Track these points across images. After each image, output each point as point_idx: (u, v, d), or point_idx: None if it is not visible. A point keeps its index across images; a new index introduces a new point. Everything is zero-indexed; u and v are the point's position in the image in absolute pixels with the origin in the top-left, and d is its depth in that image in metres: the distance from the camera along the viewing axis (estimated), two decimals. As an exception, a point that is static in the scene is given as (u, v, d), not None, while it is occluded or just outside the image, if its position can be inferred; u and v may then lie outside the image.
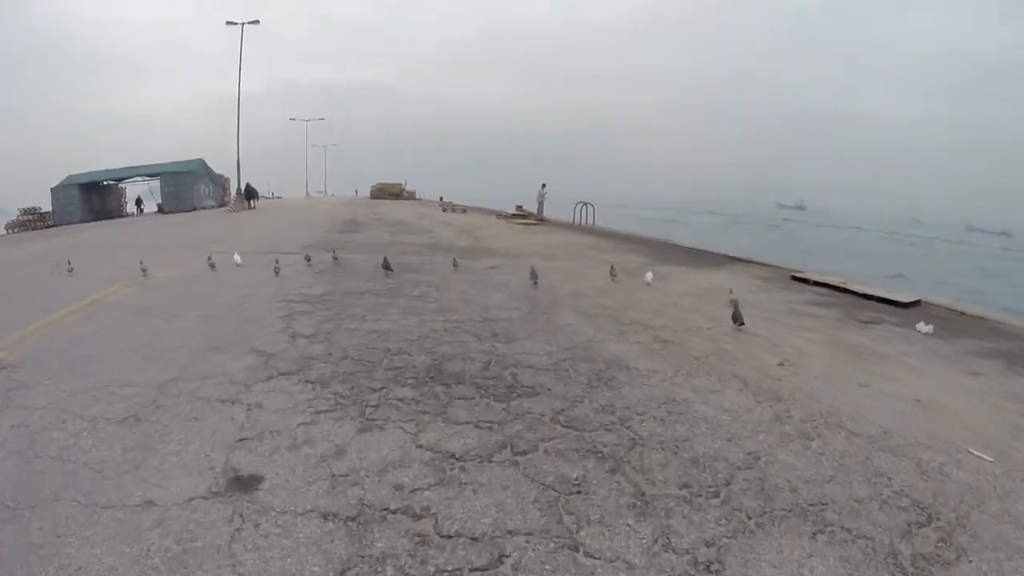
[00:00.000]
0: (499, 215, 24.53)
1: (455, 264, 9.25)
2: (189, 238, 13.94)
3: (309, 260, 9.41)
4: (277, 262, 8.44)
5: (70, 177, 27.68)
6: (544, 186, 25.31)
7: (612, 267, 8.95)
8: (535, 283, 7.64)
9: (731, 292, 7.19)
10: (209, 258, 8.76)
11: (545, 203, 25.31)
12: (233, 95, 29.72)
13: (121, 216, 30.11)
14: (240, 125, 29.96)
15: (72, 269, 8.32)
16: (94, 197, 28.63)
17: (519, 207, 25.72)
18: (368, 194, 49.07)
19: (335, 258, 9.77)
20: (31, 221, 24.35)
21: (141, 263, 8.13)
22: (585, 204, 21.67)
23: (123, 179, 30.67)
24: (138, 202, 32.86)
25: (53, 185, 27.23)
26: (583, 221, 21.26)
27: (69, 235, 17.03)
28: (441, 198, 36.95)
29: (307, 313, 5.76)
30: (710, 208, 74.17)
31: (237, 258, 9.06)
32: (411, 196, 46.04)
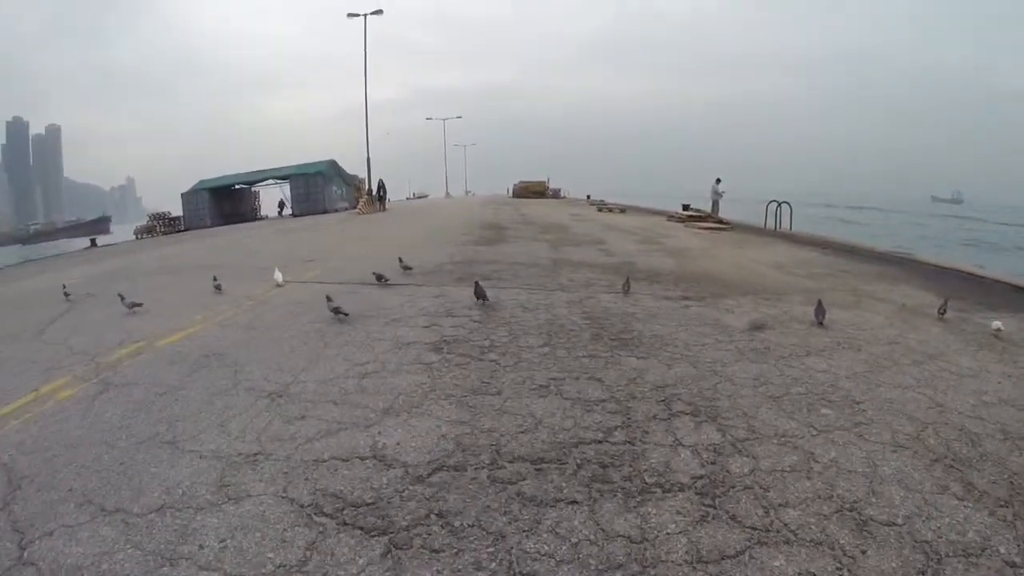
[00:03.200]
0: (670, 216, 19.18)
1: (626, 289, 5.96)
2: (283, 251, 10.59)
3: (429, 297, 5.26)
4: (341, 314, 4.72)
5: (201, 182, 27.46)
6: (719, 181, 19.71)
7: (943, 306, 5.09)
8: (821, 321, 4.74)
9: None
10: (215, 278, 6.58)
11: (721, 202, 19.68)
12: (372, 100, 27.56)
13: (255, 219, 29.50)
14: (372, 123, 27.72)
15: (69, 294, 6.40)
16: (224, 201, 28.20)
17: (686, 206, 20.28)
18: (510, 193, 46.01)
19: (482, 299, 5.25)
20: (155, 227, 23.96)
21: (126, 303, 5.41)
22: (780, 204, 15.76)
23: (253, 183, 30.09)
24: (280, 205, 32.15)
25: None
26: (778, 225, 15.38)
27: (165, 246, 14.96)
28: (588, 196, 32.34)
29: None
30: (860, 203, 59.87)
31: (279, 276, 6.68)
32: (555, 194, 42.19)
